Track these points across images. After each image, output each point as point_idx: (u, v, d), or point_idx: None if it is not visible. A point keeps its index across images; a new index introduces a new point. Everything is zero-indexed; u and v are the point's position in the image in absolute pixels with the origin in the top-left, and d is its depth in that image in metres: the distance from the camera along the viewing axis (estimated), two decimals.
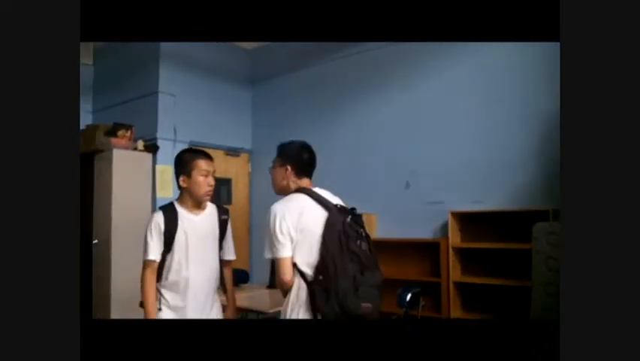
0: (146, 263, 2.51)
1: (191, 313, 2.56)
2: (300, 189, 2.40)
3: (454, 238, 4.45)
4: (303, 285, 2.23)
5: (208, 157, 2.65)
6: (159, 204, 5.38)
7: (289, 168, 2.43)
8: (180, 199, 2.64)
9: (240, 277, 4.51)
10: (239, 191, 6.45)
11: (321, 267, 2.17)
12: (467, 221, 4.52)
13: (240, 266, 4.97)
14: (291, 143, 2.55)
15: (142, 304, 2.68)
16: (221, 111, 6.28)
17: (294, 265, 2.26)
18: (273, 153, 2.58)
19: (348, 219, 2.24)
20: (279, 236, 2.24)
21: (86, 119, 6.28)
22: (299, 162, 2.45)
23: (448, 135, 4.76)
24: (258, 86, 6.67)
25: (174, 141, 5.66)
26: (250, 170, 6.55)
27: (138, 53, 5.88)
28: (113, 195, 5.02)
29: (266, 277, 4.86)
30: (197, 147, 3.15)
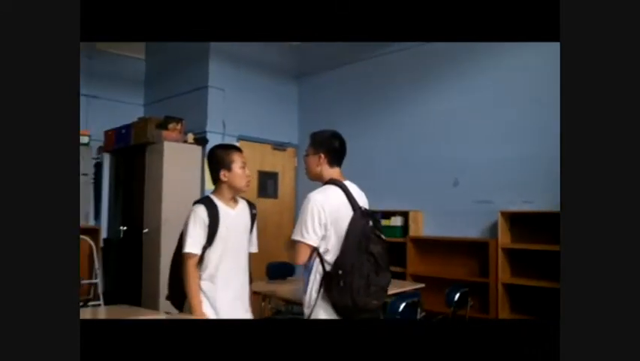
0: (188, 256, 2.53)
1: (228, 304, 2.61)
2: (335, 182, 2.50)
3: (504, 238, 4.36)
4: (321, 270, 2.39)
5: (240, 150, 2.75)
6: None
7: (322, 155, 2.54)
8: (218, 193, 2.67)
9: (285, 269, 4.53)
10: (285, 185, 6.50)
11: (340, 262, 2.32)
12: (517, 221, 4.42)
13: (285, 259, 4.99)
14: (323, 132, 2.65)
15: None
16: (269, 106, 6.34)
17: (318, 252, 2.40)
18: None
19: (370, 222, 2.39)
20: (316, 225, 2.36)
21: (137, 112, 6.45)
22: (331, 150, 2.55)
23: (498, 133, 4.65)
24: (304, 82, 6.70)
25: (223, 134, 5.74)
26: (296, 164, 6.58)
27: (188, 48, 5.97)
28: (164, 186, 5.14)
29: None
30: (229, 143, 3.12)
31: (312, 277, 2.43)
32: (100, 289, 5.40)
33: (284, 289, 3.81)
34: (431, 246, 5.07)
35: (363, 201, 2.55)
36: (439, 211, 5.09)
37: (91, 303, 5.16)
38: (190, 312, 2.53)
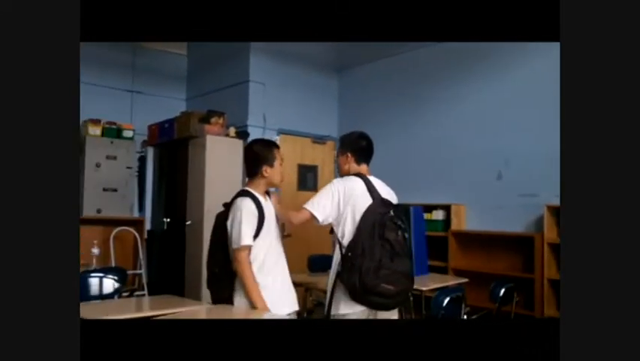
0: (244, 248, 2.54)
1: (278, 293, 2.63)
2: (358, 174, 2.71)
3: (550, 233, 4.25)
4: (340, 254, 2.60)
5: (278, 146, 2.82)
6: None
7: (349, 155, 2.78)
8: (254, 187, 2.71)
9: (327, 262, 4.53)
10: (325, 178, 6.49)
11: (352, 245, 2.51)
12: None
13: (327, 252, 5.00)
14: (351, 133, 2.90)
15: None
16: (309, 99, 6.36)
17: (338, 240, 2.62)
18: None
19: (391, 212, 2.55)
20: (327, 202, 2.62)
21: (180, 107, 6.55)
22: (357, 149, 2.78)
23: (542, 124, 4.52)
24: (344, 75, 6.68)
25: (264, 128, 5.79)
26: (336, 157, 6.56)
27: (229, 43, 6.01)
28: (206, 179, 5.21)
29: None
30: (269, 137, 3.14)
31: (333, 262, 2.69)
32: (144, 280, 5.52)
33: (325, 281, 3.80)
34: (474, 240, 4.99)
35: (388, 194, 2.71)
36: (483, 205, 5.01)
37: (136, 293, 5.28)
38: (249, 304, 2.54)
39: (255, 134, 5.67)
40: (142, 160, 6.29)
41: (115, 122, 5.96)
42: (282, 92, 6.04)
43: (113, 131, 5.89)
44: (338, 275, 2.57)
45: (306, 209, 2.63)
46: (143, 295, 5.28)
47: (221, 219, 2.69)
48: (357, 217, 2.54)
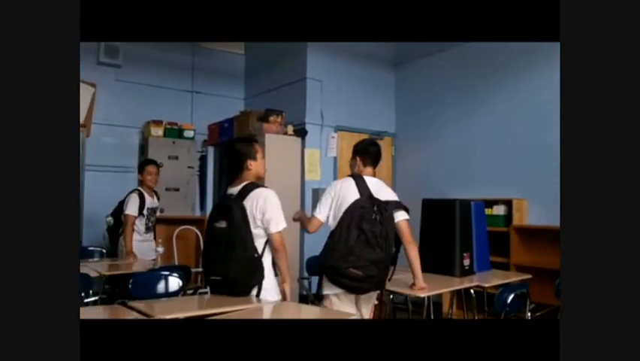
0: (282, 231, 2.72)
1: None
2: (353, 175, 3.02)
3: None
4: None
5: (257, 142, 3.04)
6: (307, 186, 5.63)
7: (358, 159, 3.08)
8: (248, 181, 2.86)
9: None
10: (381, 174, 6.46)
11: (333, 233, 2.83)
12: None
13: None
14: (364, 141, 3.26)
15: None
16: (366, 95, 6.34)
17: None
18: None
19: (374, 207, 2.78)
20: (327, 204, 2.96)
21: (238, 106, 6.69)
22: (364, 155, 3.08)
23: None
24: (401, 69, 6.62)
25: (321, 125, 5.82)
26: (393, 153, 6.53)
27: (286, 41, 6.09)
28: (265, 177, 5.29)
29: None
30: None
31: None
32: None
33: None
34: (536, 235, 4.86)
35: (383, 192, 2.92)
36: (545, 199, 4.86)
37: (199, 291, 5.41)
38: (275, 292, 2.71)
39: (312, 131, 5.72)
40: (203, 160, 6.46)
41: (176, 122, 6.15)
42: (340, 88, 6.05)
43: (174, 132, 6.09)
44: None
45: (314, 216, 2.99)
46: (206, 293, 5.40)
47: (234, 207, 2.67)
48: (342, 210, 2.83)
